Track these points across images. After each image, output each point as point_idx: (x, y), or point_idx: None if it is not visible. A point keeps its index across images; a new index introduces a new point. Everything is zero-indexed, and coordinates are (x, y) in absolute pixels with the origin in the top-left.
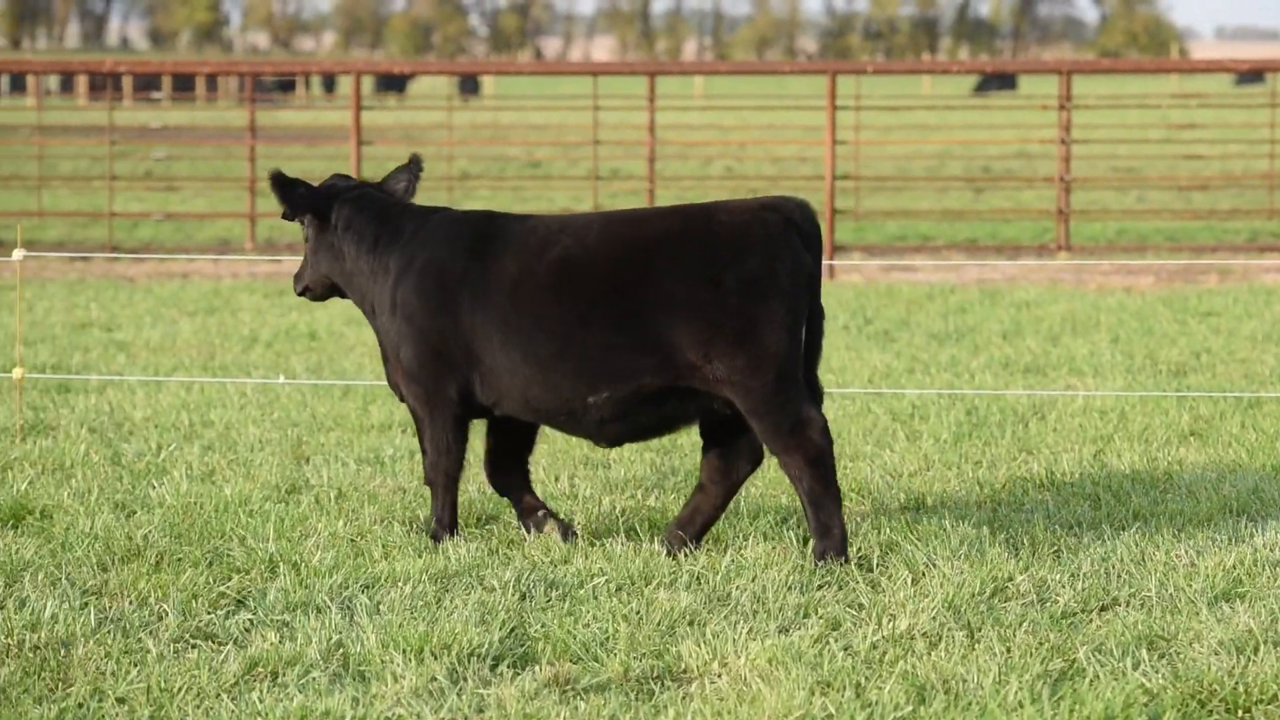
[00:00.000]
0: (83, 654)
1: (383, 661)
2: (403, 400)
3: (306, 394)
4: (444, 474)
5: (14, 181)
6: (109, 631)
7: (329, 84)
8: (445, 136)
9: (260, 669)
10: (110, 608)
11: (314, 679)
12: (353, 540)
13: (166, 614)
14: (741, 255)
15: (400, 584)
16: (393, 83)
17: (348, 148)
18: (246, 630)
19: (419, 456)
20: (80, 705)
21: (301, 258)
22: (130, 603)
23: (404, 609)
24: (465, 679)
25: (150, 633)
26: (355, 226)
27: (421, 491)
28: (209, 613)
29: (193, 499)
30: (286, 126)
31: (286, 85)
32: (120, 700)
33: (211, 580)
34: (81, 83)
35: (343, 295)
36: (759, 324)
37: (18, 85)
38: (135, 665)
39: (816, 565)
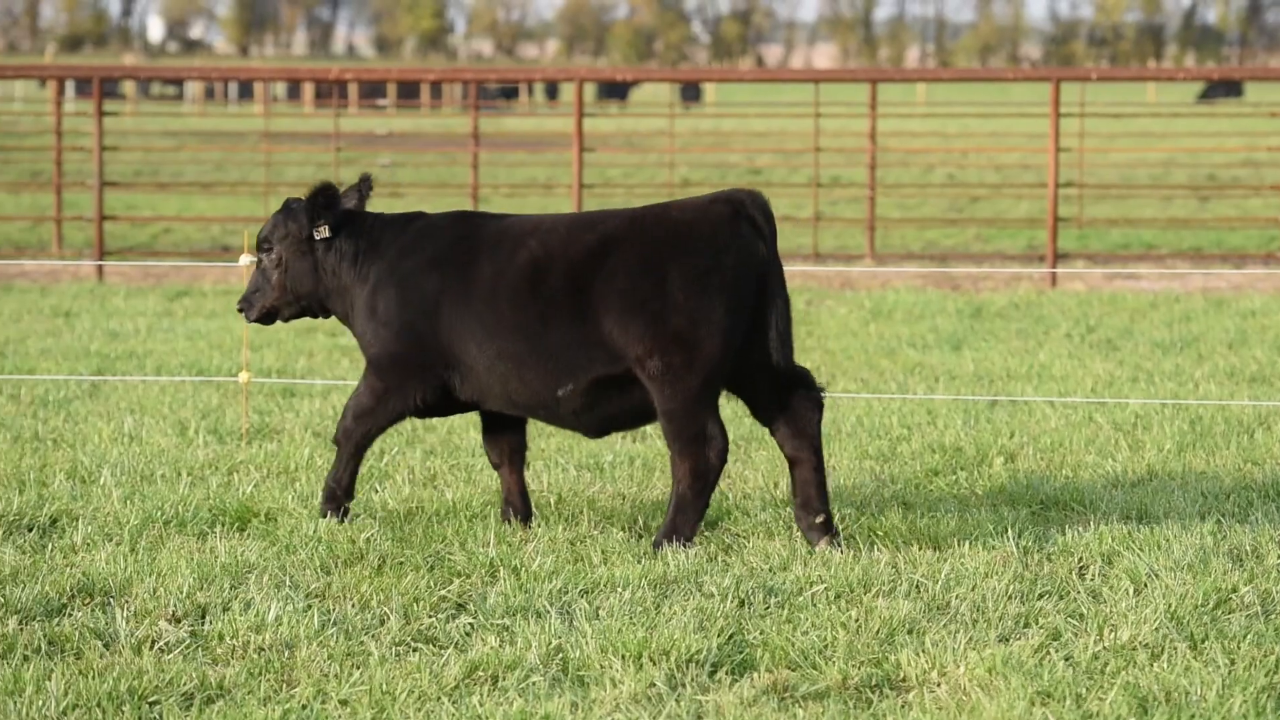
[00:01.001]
0: (306, 656)
1: (602, 667)
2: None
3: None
4: (355, 443)
5: (241, 187)
6: (332, 634)
7: (552, 91)
8: (666, 143)
9: (480, 673)
10: (333, 610)
11: (534, 683)
12: (572, 545)
13: (388, 617)
14: (688, 250)
15: (619, 589)
16: (615, 89)
17: (570, 154)
18: (467, 634)
19: (638, 462)
20: (304, 706)
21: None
22: (353, 605)
23: (623, 614)
24: (684, 685)
25: (372, 635)
26: (336, 245)
27: (641, 498)
28: (430, 616)
29: (415, 503)
30: (509, 133)
31: (510, 92)
32: (343, 702)
33: (433, 584)
34: (308, 90)
35: (313, 315)
36: (700, 324)
37: (246, 92)
38: (357, 667)
39: (655, 549)
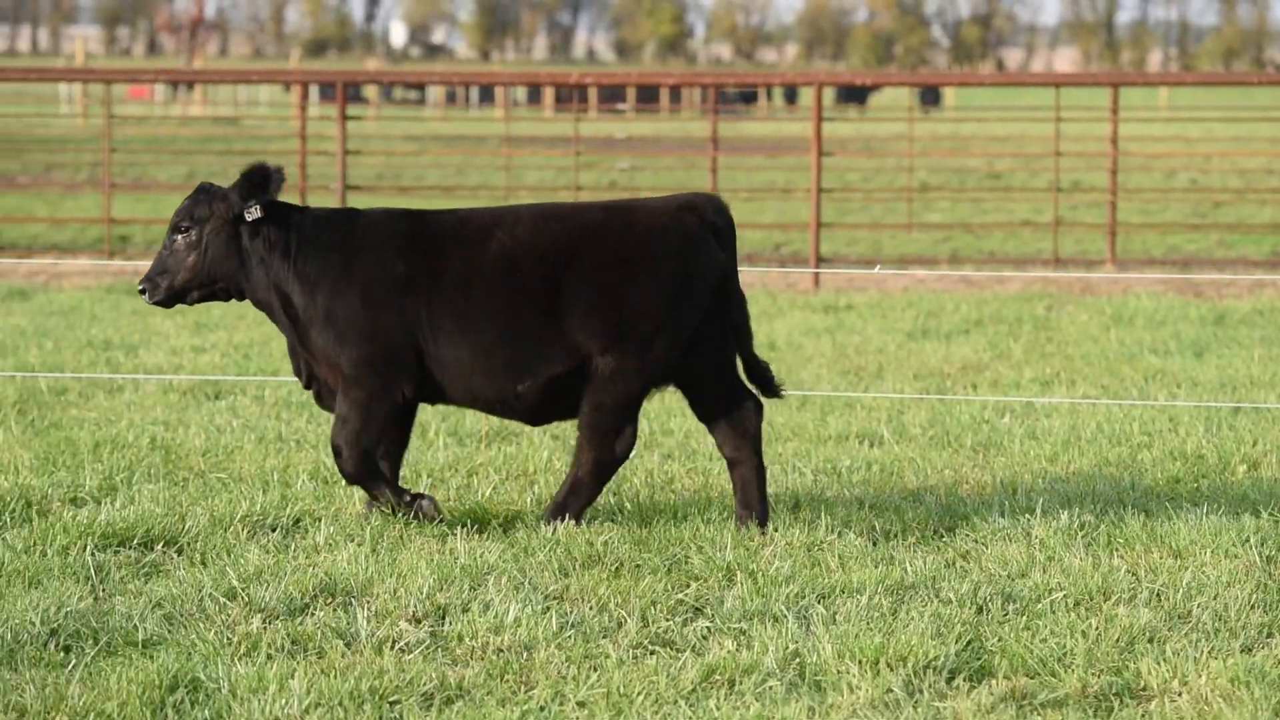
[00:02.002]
0: (544, 658)
1: (839, 672)
2: (308, 389)
3: (764, 403)
4: (364, 456)
5: (482, 191)
6: (570, 636)
7: (790, 95)
8: (905, 147)
9: (717, 676)
10: (571, 613)
11: (770, 688)
12: (809, 550)
13: (625, 620)
14: (659, 258)
15: (856, 595)
16: (854, 94)
17: (808, 159)
18: (704, 638)
19: (876, 468)
20: (542, 708)
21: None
22: (590, 608)
23: (860, 620)
24: (921, 691)
25: (610, 638)
26: (263, 233)
27: (878, 502)
28: (667, 619)
29: (652, 507)
30: (748, 137)
31: (749, 96)
32: (580, 704)
33: (670, 587)
34: (548, 94)
35: (224, 299)
36: (660, 331)
37: (486, 97)
38: (595, 670)
39: (543, 524)
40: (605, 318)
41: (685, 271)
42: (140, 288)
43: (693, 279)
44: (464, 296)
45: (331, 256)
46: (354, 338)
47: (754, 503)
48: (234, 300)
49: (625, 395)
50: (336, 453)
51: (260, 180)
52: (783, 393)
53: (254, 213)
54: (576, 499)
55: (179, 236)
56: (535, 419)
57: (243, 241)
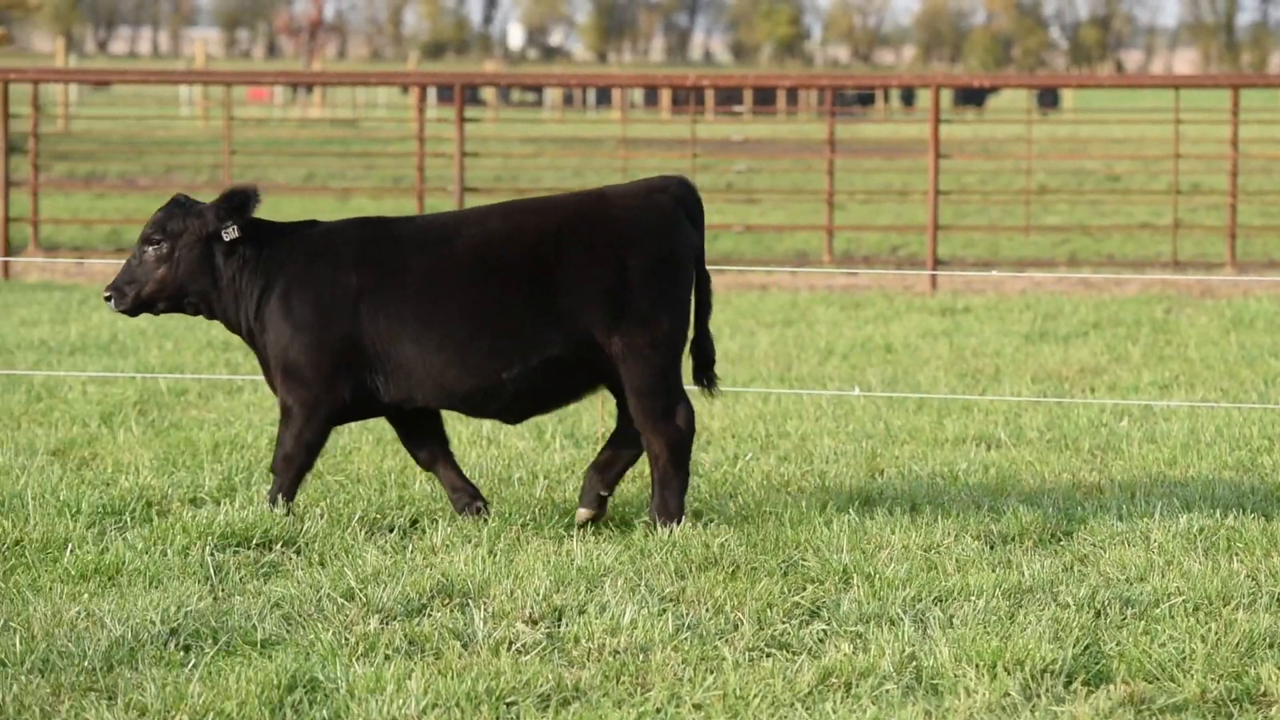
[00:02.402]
0: (660, 659)
1: (955, 675)
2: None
3: (881, 406)
4: (296, 470)
5: None
6: (686, 638)
7: (908, 97)
8: (1023, 150)
9: (834, 679)
10: (687, 615)
11: (887, 691)
12: (925, 553)
13: (742, 622)
14: (640, 238)
15: (973, 598)
16: (972, 96)
17: (925, 161)
18: (820, 640)
19: (993, 471)
20: (658, 710)
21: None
22: (707, 610)
23: (977, 623)
24: (1038, 695)
25: (726, 640)
26: (243, 251)
27: (995, 506)
28: (783, 622)
29: (768, 509)
30: (865, 140)
31: (866, 98)
32: (697, 707)
33: (786, 590)
34: (665, 96)
35: (193, 313)
36: (659, 306)
37: (604, 99)
38: (711, 672)
39: (658, 528)
40: (601, 303)
41: (667, 247)
42: (106, 295)
43: (676, 253)
44: (431, 296)
45: (288, 267)
46: (300, 344)
47: (610, 480)
48: (200, 316)
49: (656, 373)
50: (278, 444)
51: (240, 202)
52: (716, 388)
53: (231, 233)
54: (672, 491)
55: (149, 248)
56: (516, 413)
57: (216, 259)
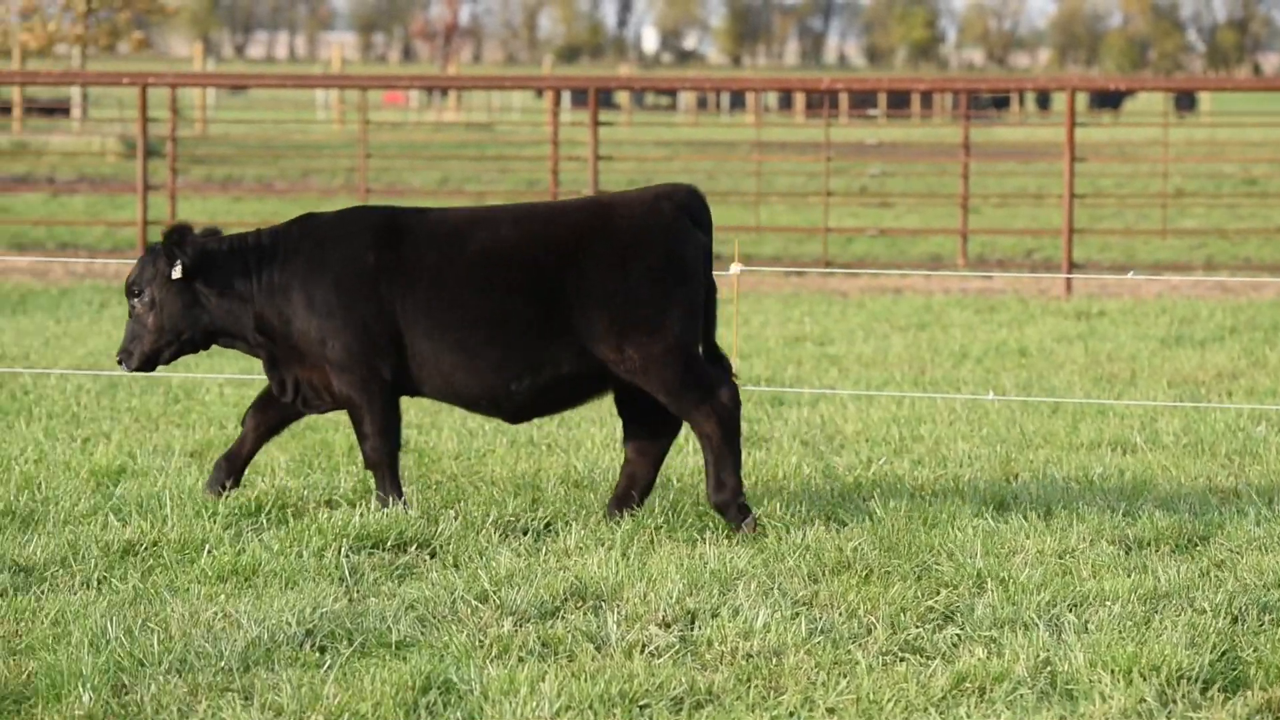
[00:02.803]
0: (793, 663)
1: (1091, 681)
2: (282, 396)
3: (1015, 410)
4: (387, 454)
5: (732, 197)
6: (819, 642)
7: (1043, 100)
8: (1160, 153)
9: (968, 684)
10: (820, 618)
11: (1021, 696)
12: (1060, 558)
13: (875, 626)
14: (646, 245)
15: (1109, 603)
16: (1108, 99)
17: (1060, 164)
18: (954, 645)
19: (1128, 475)
20: (791, 714)
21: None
22: (840, 614)
23: (1112, 628)
24: (1175, 701)
25: (859, 645)
26: (222, 269)
27: (1131, 510)
28: (917, 626)
29: (902, 513)
30: (1000, 143)
31: (1001, 102)
32: (830, 710)
33: (920, 594)
34: (799, 100)
35: (193, 351)
36: (668, 313)
37: (738, 102)
38: (844, 676)
39: (726, 519)
40: (607, 312)
41: (673, 253)
42: (118, 359)
43: (682, 259)
44: (439, 297)
45: (297, 259)
46: (333, 329)
47: (636, 499)
48: (199, 351)
49: (678, 373)
50: (361, 438)
51: (177, 239)
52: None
53: (176, 271)
54: (726, 467)
55: (135, 301)
56: (519, 417)
57: (196, 289)
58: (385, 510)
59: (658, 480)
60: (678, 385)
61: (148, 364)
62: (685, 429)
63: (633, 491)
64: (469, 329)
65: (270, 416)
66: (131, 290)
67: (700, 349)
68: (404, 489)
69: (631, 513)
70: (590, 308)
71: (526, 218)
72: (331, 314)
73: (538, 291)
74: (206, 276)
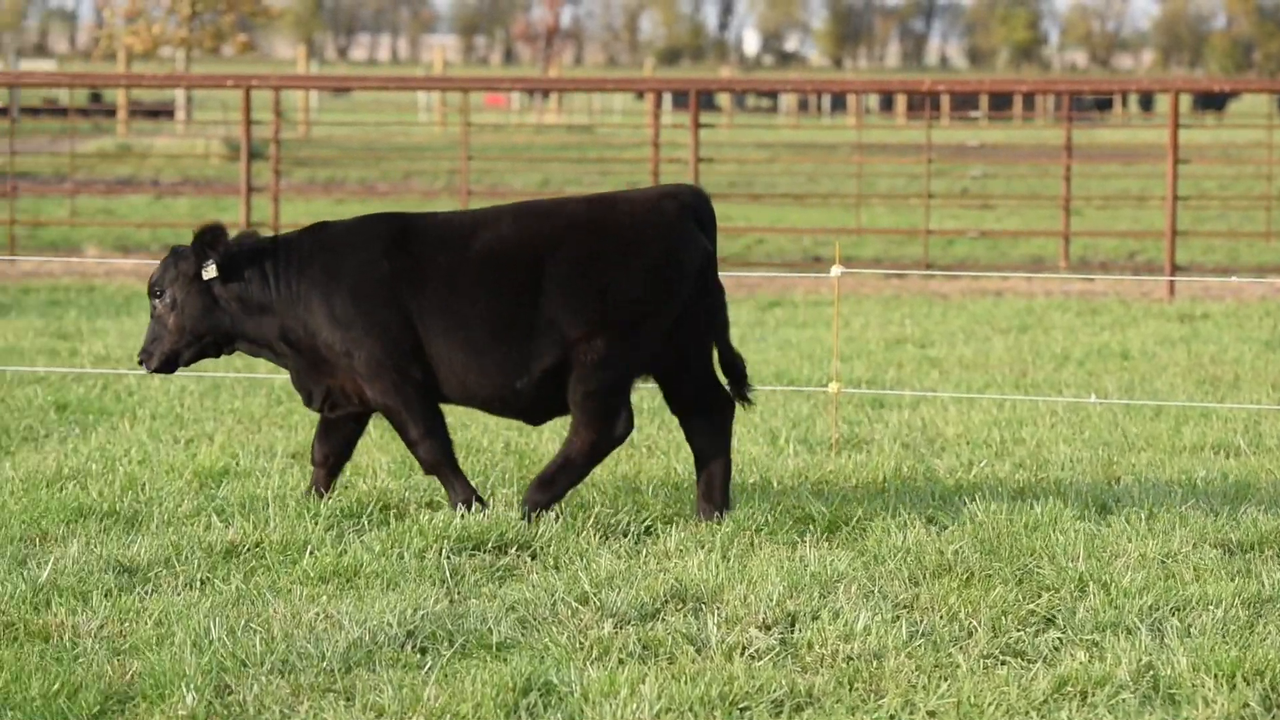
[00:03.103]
0: (894, 666)
1: (1193, 685)
2: (309, 406)
3: (1118, 413)
4: (442, 454)
5: (833, 199)
6: (920, 645)
7: (1146, 102)
8: (1264, 155)
9: (1069, 688)
10: (921, 622)
11: (1123, 700)
12: (1163, 562)
13: (976, 630)
14: (644, 244)
15: (1212, 607)
16: (1211, 101)
17: (1163, 166)
18: (1055, 649)
19: (1232, 479)
20: (891, 717)
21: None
22: (940, 617)
23: (1215, 633)
24: (1278, 707)
25: (960, 648)
26: (245, 274)
27: (1234, 514)
28: (1018, 630)
29: (1003, 516)
30: (1102, 145)
31: (1103, 103)
32: (930, 714)
33: (1021, 597)
34: (900, 102)
35: (214, 355)
36: (643, 316)
37: (839, 104)
38: (945, 679)
39: (524, 510)
40: (589, 304)
41: (670, 257)
42: (139, 359)
43: (678, 263)
44: (448, 297)
45: (315, 264)
46: (359, 335)
47: (717, 498)
48: (222, 355)
49: (615, 380)
50: (412, 447)
51: (210, 240)
52: (751, 397)
53: (210, 271)
54: (566, 476)
55: (157, 302)
56: (535, 416)
57: (216, 292)
58: (462, 512)
59: (756, 483)
60: (606, 387)
61: (168, 365)
62: (741, 419)
63: (714, 484)
64: (475, 328)
65: (335, 443)
66: (153, 290)
67: (714, 353)
68: (477, 490)
69: (722, 510)
70: (579, 300)
71: (528, 215)
72: (352, 324)
73: (537, 287)
74: (227, 280)
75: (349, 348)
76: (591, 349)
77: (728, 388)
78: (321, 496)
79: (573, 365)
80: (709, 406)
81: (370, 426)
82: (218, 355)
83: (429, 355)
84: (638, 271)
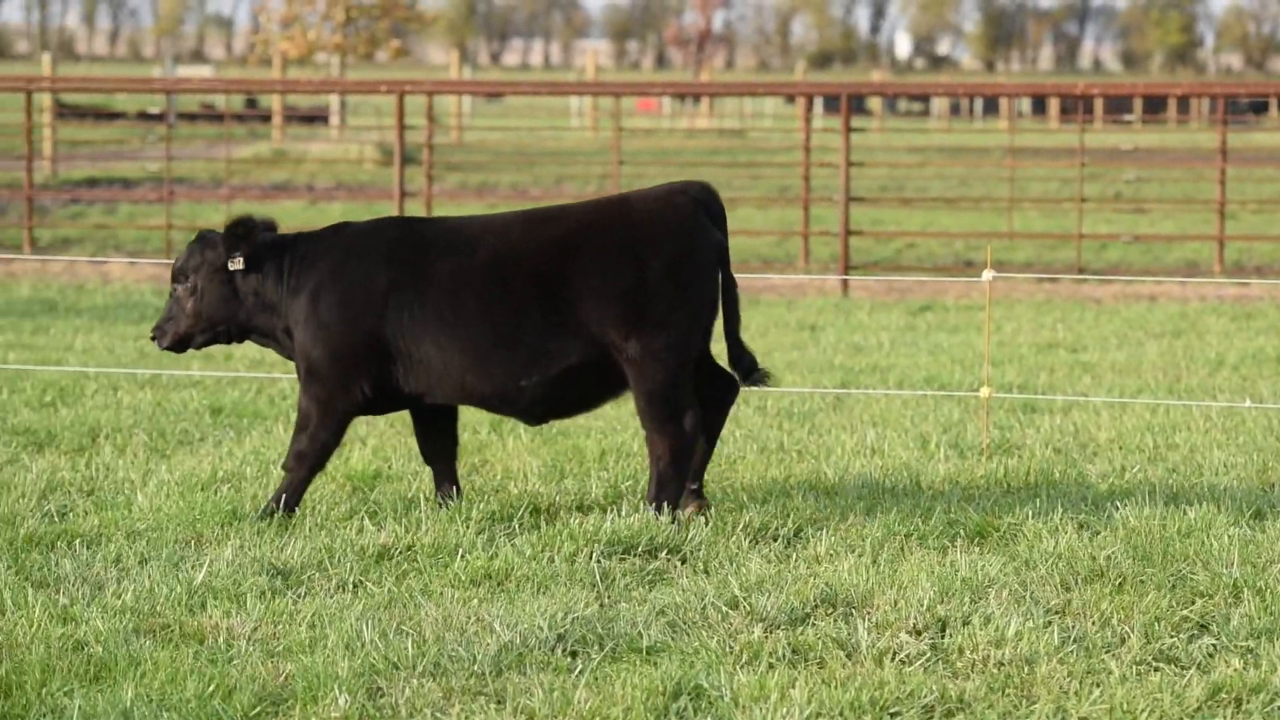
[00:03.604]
0: (1046, 672)
1: None
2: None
3: (1273, 418)
4: (309, 469)
5: (985, 203)
6: (1071, 651)
7: None
8: None
9: (1223, 695)
10: (1073, 627)
11: (1279, 708)
12: None
13: (1129, 636)
14: (660, 240)
15: None
16: None
17: None
18: (1210, 655)
19: None
20: None
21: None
22: (1093, 623)
23: None
24: None
25: (1112, 654)
26: (265, 268)
27: None
28: (1171, 636)
29: (1156, 521)
30: (1258, 148)
31: (1259, 106)
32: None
33: (1174, 604)
34: (1053, 105)
35: (226, 341)
36: (678, 309)
37: (990, 108)
38: (1097, 686)
39: (653, 515)
40: (617, 304)
41: (686, 250)
42: (151, 335)
43: (695, 255)
44: (454, 301)
45: (319, 266)
46: (323, 339)
47: (697, 472)
48: (235, 343)
49: (666, 377)
50: (293, 441)
51: (243, 232)
52: (768, 379)
53: (237, 263)
54: (669, 494)
55: (178, 286)
56: (536, 416)
57: (236, 283)
58: (276, 510)
59: (906, 488)
60: (662, 387)
61: (179, 345)
62: (891, 423)
63: (697, 464)
64: (478, 331)
65: (436, 437)
66: (177, 275)
67: (727, 344)
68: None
69: (697, 485)
70: (602, 299)
71: (540, 220)
72: (326, 326)
73: (543, 289)
74: (249, 272)
75: (308, 349)
76: (631, 349)
77: (737, 379)
78: (450, 490)
79: (626, 374)
80: (712, 390)
81: (520, 428)
82: (228, 343)
83: (415, 361)
84: (657, 266)
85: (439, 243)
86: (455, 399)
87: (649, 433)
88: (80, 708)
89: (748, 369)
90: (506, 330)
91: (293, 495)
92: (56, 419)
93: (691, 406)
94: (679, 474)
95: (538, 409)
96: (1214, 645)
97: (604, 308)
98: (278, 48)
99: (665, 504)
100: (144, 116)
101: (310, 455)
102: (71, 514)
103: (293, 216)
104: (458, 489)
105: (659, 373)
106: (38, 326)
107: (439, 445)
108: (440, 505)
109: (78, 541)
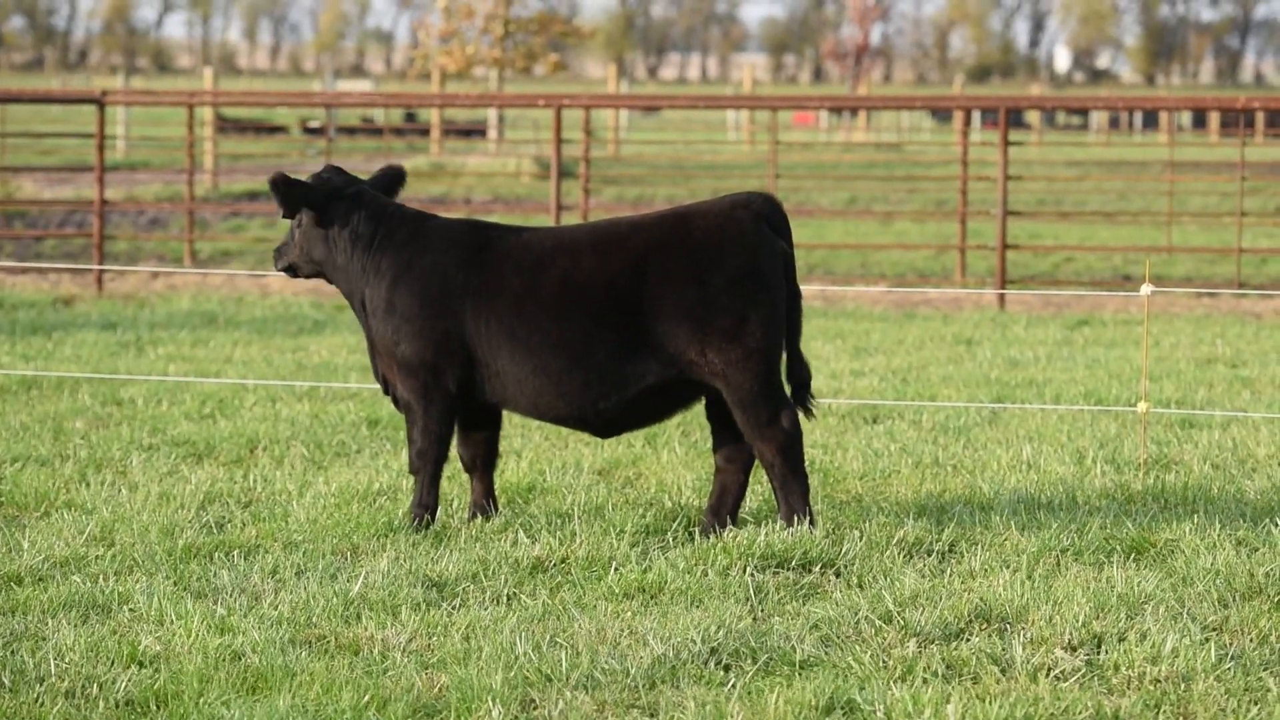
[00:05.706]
0: (1203, 690)
1: None
2: (387, 394)
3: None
4: (433, 462)
5: (1144, 217)
6: (1229, 668)
7: None
8: None
9: None
10: (1230, 644)
11: None
12: None
13: None
14: (724, 254)
15: None
16: None
17: None
18: None
19: None
20: None
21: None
22: (1251, 640)
23: None
24: None
25: (1271, 672)
26: (352, 224)
27: None
28: None
29: None
30: None
31: None
32: None
33: None
34: (1214, 119)
35: (327, 279)
36: (749, 319)
37: (1150, 122)
38: (1255, 704)
39: (786, 525)
40: (691, 322)
41: (750, 260)
42: (274, 254)
43: (759, 264)
44: (525, 318)
45: (402, 252)
46: (409, 333)
47: (725, 515)
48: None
49: (755, 383)
50: (410, 441)
51: (280, 193)
52: (813, 408)
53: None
54: (795, 495)
55: (293, 220)
56: (609, 431)
57: (330, 231)
58: (424, 515)
59: (1062, 503)
60: (753, 394)
61: (289, 272)
62: (1047, 438)
63: (725, 500)
64: (549, 354)
65: (477, 444)
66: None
67: (786, 356)
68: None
69: (723, 527)
70: (673, 318)
71: (605, 238)
72: (411, 319)
73: (620, 309)
74: (326, 223)
75: (399, 338)
76: (710, 363)
77: (789, 394)
78: (487, 504)
79: (716, 384)
80: (731, 448)
81: (675, 441)
82: (331, 281)
83: (493, 371)
84: (723, 279)
85: (514, 259)
86: (528, 414)
87: (753, 443)
88: (237, 718)
89: (803, 383)
90: (577, 354)
91: (429, 494)
92: (215, 431)
93: (787, 406)
94: (795, 470)
95: (613, 429)
96: None
97: (675, 326)
98: (436, 62)
99: (796, 513)
100: (305, 130)
101: (429, 448)
102: (229, 525)
103: None
104: (494, 503)
105: (745, 380)
106: (197, 339)
107: (481, 453)
108: (472, 517)
109: (235, 552)
